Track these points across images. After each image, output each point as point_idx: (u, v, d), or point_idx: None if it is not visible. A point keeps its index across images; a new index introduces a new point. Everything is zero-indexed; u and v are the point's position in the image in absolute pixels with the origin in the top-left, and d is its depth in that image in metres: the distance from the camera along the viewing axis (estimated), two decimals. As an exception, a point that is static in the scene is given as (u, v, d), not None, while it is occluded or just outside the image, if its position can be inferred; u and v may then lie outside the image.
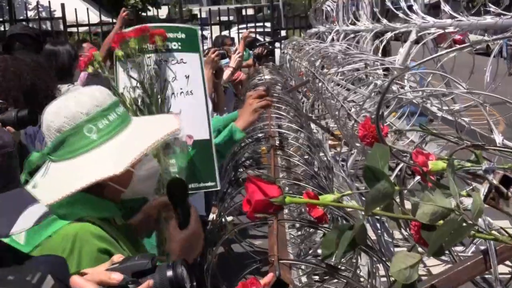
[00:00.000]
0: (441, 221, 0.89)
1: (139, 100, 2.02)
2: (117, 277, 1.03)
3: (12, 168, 1.11)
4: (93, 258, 1.38)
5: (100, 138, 1.49)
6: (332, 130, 5.31)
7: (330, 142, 5.13)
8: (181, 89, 2.10)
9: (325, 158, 3.02)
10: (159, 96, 2.03)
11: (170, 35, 2.10)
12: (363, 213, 0.92)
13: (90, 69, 1.98)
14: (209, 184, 2.07)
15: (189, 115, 2.08)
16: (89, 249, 1.39)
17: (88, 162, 1.45)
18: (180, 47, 2.12)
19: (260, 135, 3.12)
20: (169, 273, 1.10)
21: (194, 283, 1.13)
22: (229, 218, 2.92)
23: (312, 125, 4.93)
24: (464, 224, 0.88)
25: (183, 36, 2.13)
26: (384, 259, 1.54)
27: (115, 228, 1.57)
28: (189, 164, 2.03)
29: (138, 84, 2.02)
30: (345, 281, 1.39)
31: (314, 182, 2.14)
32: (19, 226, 1.02)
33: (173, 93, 2.09)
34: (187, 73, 2.11)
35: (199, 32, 2.18)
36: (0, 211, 1.03)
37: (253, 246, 2.65)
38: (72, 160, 1.46)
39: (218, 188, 2.11)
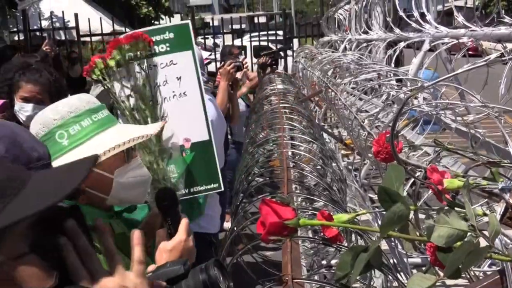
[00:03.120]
0: (458, 243, 0.88)
1: (134, 108, 1.96)
2: (160, 286, 1.06)
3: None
4: None
5: (71, 143, 1.52)
6: (345, 139, 5.30)
7: (342, 151, 5.11)
8: (173, 92, 2.02)
9: (338, 169, 3.01)
10: (151, 102, 1.99)
11: (157, 37, 2.03)
12: (378, 234, 0.92)
13: (93, 76, 1.98)
14: (212, 186, 2.00)
15: (185, 118, 2.02)
16: None
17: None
18: (168, 48, 2.04)
19: (273, 146, 3.12)
20: (203, 276, 1.10)
21: (231, 283, 1.13)
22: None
23: (325, 135, 4.92)
24: (482, 245, 0.87)
25: (171, 36, 2.05)
26: (397, 275, 1.52)
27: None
28: (189, 168, 1.99)
29: (132, 92, 1.98)
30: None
31: (328, 195, 2.13)
32: None
33: (165, 98, 2.02)
34: (178, 75, 2.03)
35: (190, 27, 2.09)
36: None
37: (265, 258, 2.64)
38: None
39: (222, 190, 2.05)
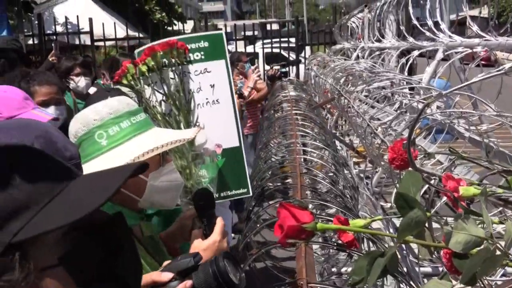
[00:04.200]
0: (474, 250, 0.88)
1: (166, 113, 2.02)
2: (167, 275, 1.09)
3: None
4: None
5: (110, 144, 1.54)
6: (356, 147, 5.29)
7: (354, 159, 5.11)
8: (206, 99, 2.09)
9: (350, 176, 3.01)
10: (185, 109, 2.04)
11: (192, 45, 2.09)
12: (395, 240, 0.92)
13: (124, 81, 2.02)
14: (241, 191, 2.06)
15: (217, 124, 2.07)
16: None
17: (94, 166, 1.50)
18: (203, 57, 2.10)
19: (285, 152, 3.13)
20: (212, 267, 1.11)
21: (243, 274, 1.14)
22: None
23: (336, 142, 4.92)
24: (498, 253, 0.87)
25: (206, 44, 2.10)
26: (411, 282, 1.53)
27: (133, 237, 1.60)
28: (220, 173, 2.03)
29: (164, 98, 2.03)
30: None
31: (340, 202, 2.14)
32: None
33: (198, 104, 2.07)
34: (212, 82, 2.09)
35: (224, 37, 2.15)
36: None
37: (277, 264, 2.64)
38: (85, 166, 1.51)
39: (250, 195, 2.10)
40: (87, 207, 0.82)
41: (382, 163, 2.80)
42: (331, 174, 2.89)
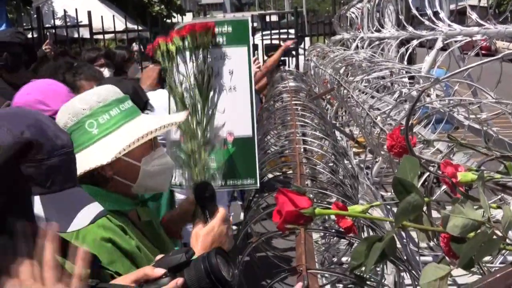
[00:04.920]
0: (472, 234, 0.89)
1: (187, 95, 1.99)
2: (159, 271, 1.09)
3: (71, 168, 1.16)
4: (96, 245, 1.44)
5: (101, 132, 1.55)
6: (356, 137, 5.29)
7: (354, 149, 5.11)
8: (224, 85, 2.05)
9: (350, 166, 3.02)
10: (206, 92, 2.01)
11: (216, 29, 2.05)
12: (393, 224, 0.93)
13: (156, 56, 2.01)
14: (248, 182, 2.04)
15: (232, 112, 2.04)
16: (92, 237, 1.45)
17: (86, 155, 1.52)
18: (225, 42, 2.06)
19: (285, 142, 3.13)
20: (204, 264, 1.11)
21: (236, 271, 1.14)
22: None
23: (337, 133, 4.92)
24: (495, 237, 0.88)
25: (230, 29, 2.07)
26: (410, 268, 1.53)
27: (129, 221, 1.62)
28: (229, 161, 2.02)
29: (184, 79, 2.00)
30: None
31: (340, 190, 2.14)
32: (76, 224, 1.07)
33: (215, 89, 2.05)
34: (231, 69, 2.05)
35: (250, 24, 2.09)
36: (60, 209, 1.08)
37: (276, 253, 2.65)
38: (78, 155, 1.52)
39: (257, 187, 2.08)
40: None
41: (382, 152, 2.80)
42: (331, 164, 2.90)
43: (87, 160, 1.47)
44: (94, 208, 1.15)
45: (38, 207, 1.06)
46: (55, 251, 0.90)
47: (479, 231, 0.87)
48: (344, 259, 2.83)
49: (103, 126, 1.55)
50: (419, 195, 0.87)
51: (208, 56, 2.03)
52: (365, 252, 0.92)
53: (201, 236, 1.57)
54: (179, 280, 1.10)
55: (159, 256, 1.20)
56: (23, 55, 4.31)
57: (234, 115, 2.06)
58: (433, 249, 3.12)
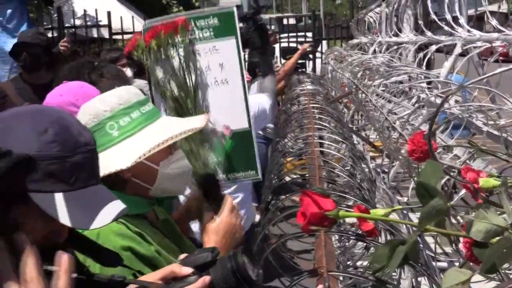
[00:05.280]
0: (494, 239, 0.89)
1: (175, 93, 1.95)
2: (187, 269, 1.10)
3: (94, 165, 1.16)
4: None
5: (121, 135, 1.55)
6: (373, 141, 5.29)
7: (370, 154, 5.11)
8: (215, 78, 2.01)
9: (367, 170, 3.02)
10: (192, 89, 1.96)
11: (201, 22, 2.01)
12: (414, 228, 0.93)
13: (134, 55, 1.97)
14: (250, 173, 2.03)
15: (225, 105, 2.01)
16: (111, 245, 1.43)
17: (105, 157, 1.50)
18: (212, 35, 2.02)
19: (302, 145, 3.14)
20: (230, 263, 1.11)
21: (260, 271, 1.14)
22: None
23: (353, 136, 4.92)
24: (518, 242, 0.88)
25: (216, 21, 2.02)
26: (429, 273, 1.53)
27: (148, 223, 1.62)
28: (228, 156, 2.01)
29: (170, 78, 1.95)
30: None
31: (359, 194, 2.15)
32: (99, 221, 1.07)
33: (206, 84, 2.01)
34: (220, 61, 2.02)
35: (236, 14, 2.03)
36: (83, 206, 1.08)
37: (294, 256, 2.66)
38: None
39: (260, 178, 2.06)
40: None
41: (400, 157, 2.80)
42: (348, 167, 2.90)
43: (106, 163, 1.48)
44: (116, 206, 1.15)
45: (61, 204, 1.06)
46: (38, 265, 0.89)
47: (502, 236, 0.88)
48: (359, 263, 2.82)
49: (123, 129, 1.55)
50: (442, 200, 0.88)
51: (192, 50, 1.98)
52: (388, 255, 0.92)
53: (212, 231, 1.58)
54: (207, 278, 1.10)
55: (182, 255, 1.21)
56: (43, 56, 4.32)
57: (228, 108, 2.02)
58: (449, 255, 3.11)
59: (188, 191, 1.98)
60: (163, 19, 2.03)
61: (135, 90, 1.67)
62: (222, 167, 1.96)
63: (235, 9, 2.06)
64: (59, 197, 1.06)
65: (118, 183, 1.55)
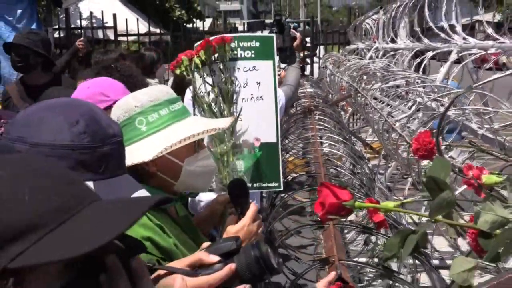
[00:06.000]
0: (498, 230, 0.93)
1: (213, 104, 2.11)
2: (214, 257, 1.10)
3: (121, 155, 1.18)
4: None
5: (149, 130, 1.58)
6: (370, 143, 5.33)
7: (367, 155, 5.15)
8: (251, 94, 2.17)
9: (367, 170, 3.06)
10: (233, 99, 2.14)
11: (244, 44, 2.18)
12: (417, 220, 0.97)
13: (178, 71, 2.11)
14: (273, 184, 2.14)
15: (258, 119, 2.15)
16: (133, 235, 1.45)
17: (132, 150, 1.54)
18: (253, 55, 2.19)
19: (302, 145, 3.18)
20: (254, 251, 1.12)
21: (281, 260, 1.15)
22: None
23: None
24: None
25: (257, 44, 2.19)
26: (429, 265, 1.57)
27: (169, 217, 1.65)
28: (255, 165, 2.11)
29: (212, 89, 2.11)
30: (399, 284, 1.42)
31: (362, 191, 2.19)
32: None
33: (243, 98, 2.17)
34: (258, 80, 2.18)
35: (275, 40, 2.25)
36: (112, 193, 1.09)
37: (296, 251, 2.69)
38: (126, 148, 1.56)
39: (281, 189, 2.17)
40: (95, 242, 0.69)
41: (396, 156, 2.83)
42: (349, 166, 2.94)
43: (131, 155, 1.51)
44: (142, 194, 1.17)
45: None
46: None
47: (506, 227, 0.91)
48: (355, 259, 2.85)
49: (151, 124, 1.59)
50: (452, 193, 0.91)
51: (235, 67, 2.14)
52: (399, 244, 0.96)
53: (232, 233, 1.60)
54: (232, 266, 1.11)
55: (205, 244, 1.22)
56: (32, 57, 4.05)
57: (260, 122, 2.17)
58: (440, 254, 3.15)
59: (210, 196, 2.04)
60: (212, 38, 2.20)
61: (167, 89, 1.70)
62: (249, 175, 2.05)
63: (274, 36, 2.26)
64: (89, 185, 1.09)
65: (144, 176, 1.58)
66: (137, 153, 1.53)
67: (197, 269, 1.10)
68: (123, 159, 1.20)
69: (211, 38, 2.14)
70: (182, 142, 1.56)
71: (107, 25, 10.24)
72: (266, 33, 4.37)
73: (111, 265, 0.77)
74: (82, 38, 5.36)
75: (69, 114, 1.13)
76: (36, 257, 0.66)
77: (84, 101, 1.27)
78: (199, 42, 2.16)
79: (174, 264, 1.15)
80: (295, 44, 4.11)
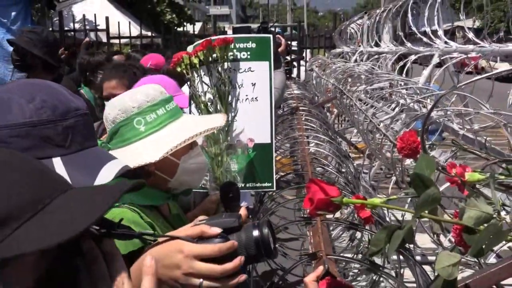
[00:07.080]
0: (482, 226, 0.92)
1: (209, 103, 2.09)
2: (216, 230, 1.06)
3: (88, 127, 1.11)
4: (128, 242, 1.44)
5: (147, 130, 1.56)
6: (355, 143, 5.34)
7: (352, 155, 5.16)
8: (246, 95, 2.14)
9: (351, 169, 3.06)
10: (229, 100, 2.11)
11: (240, 45, 2.14)
12: (400, 218, 0.96)
13: (178, 69, 2.09)
14: (266, 184, 2.12)
15: (253, 120, 2.13)
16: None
17: (133, 150, 1.53)
18: (249, 57, 2.15)
19: (288, 145, 3.17)
20: (255, 232, 1.08)
21: (277, 245, 1.11)
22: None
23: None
24: (503, 229, 0.92)
25: (253, 45, 2.15)
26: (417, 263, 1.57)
27: (161, 216, 1.63)
28: (248, 165, 2.10)
29: (209, 89, 2.09)
30: (383, 278, 1.42)
31: (348, 188, 2.18)
32: (102, 178, 1.03)
33: (238, 99, 2.14)
34: (253, 81, 2.14)
35: (271, 41, 2.18)
36: (82, 167, 1.04)
37: (283, 247, 2.69)
38: (123, 149, 1.54)
39: (274, 190, 2.15)
40: (71, 231, 0.68)
41: (381, 156, 2.83)
42: (335, 165, 2.94)
43: (134, 155, 1.48)
44: (116, 164, 1.11)
45: (60, 167, 1.02)
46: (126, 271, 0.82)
47: (490, 223, 0.91)
48: (348, 255, 2.86)
49: (150, 125, 1.56)
50: (437, 189, 0.91)
51: (231, 68, 2.12)
52: (385, 239, 0.95)
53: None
54: (235, 242, 1.06)
55: (201, 217, 1.15)
56: (28, 57, 3.87)
57: (255, 123, 2.15)
58: (422, 251, 3.16)
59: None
60: (213, 38, 2.17)
61: (161, 88, 1.68)
62: (242, 175, 2.03)
63: (271, 37, 2.20)
64: (57, 162, 1.03)
65: (142, 175, 1.55)
66: (140, 154, 1.50)
67: (197, 239, 1.06)
68: (91, 131, 1.13)
69: (213, 38, 2.10)
70: (186, 142, 1.55)
71: (99, 27, 10.18)
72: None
73: (88, 249, 0.77)
74: (62, 49, 5.22)
75: (25, 92, 1.06)
76: (10, 250, 0.65)
77: (44, 81, 1.19)
78: (197, 42, 2.13)
79: (176, 232, 1.11)
80: (280, 49, 4.11)
